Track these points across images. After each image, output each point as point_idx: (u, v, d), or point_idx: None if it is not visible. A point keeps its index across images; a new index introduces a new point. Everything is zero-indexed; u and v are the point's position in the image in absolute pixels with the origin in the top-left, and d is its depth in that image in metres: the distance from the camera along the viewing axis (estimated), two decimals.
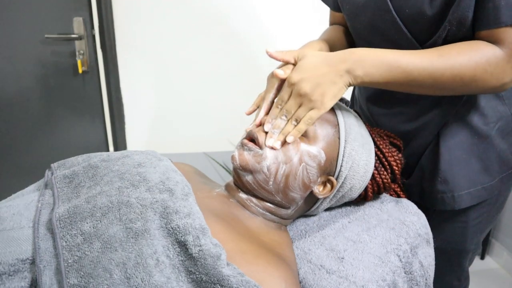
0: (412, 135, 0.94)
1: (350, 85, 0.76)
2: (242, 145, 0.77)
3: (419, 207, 0.89)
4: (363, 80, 0.74)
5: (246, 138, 0.78)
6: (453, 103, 0.87)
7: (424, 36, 0.81)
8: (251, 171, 0.75)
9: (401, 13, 0.81)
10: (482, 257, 2.18)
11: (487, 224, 1.00)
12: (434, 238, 0.88)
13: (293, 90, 0.74)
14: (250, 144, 0.76)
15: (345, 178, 0.80)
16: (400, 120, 0.95)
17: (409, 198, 0.93)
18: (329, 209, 0.88)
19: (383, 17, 0.83)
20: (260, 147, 0.75)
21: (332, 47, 0.92)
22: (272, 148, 0.75)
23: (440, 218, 0.96)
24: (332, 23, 1.10)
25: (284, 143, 0.76)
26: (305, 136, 0.77)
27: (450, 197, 0.91)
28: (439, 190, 0.91)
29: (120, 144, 1.98)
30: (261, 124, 0.79)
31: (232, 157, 0.77)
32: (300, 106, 0.74)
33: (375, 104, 1.01)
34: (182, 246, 0.59)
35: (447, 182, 0.90)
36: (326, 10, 1.10)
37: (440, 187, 0.91)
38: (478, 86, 0.75)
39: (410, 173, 0.96)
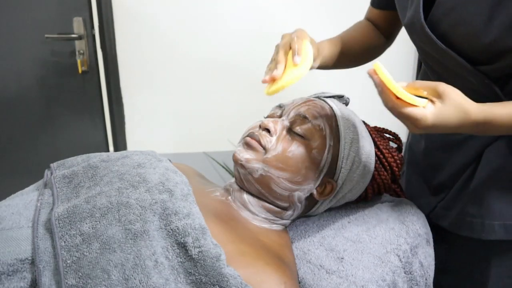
0: (456, 147, 0.84)
1: None
2: (245, 143, 0.77)
3: (445, 235, 0.83)
4: None
5: (249, 137, 0.78)
6: None
7: (479, 59, 0.72)
8: (251, 170, 0.75)
9: (450, 35, 0.72)
10: None
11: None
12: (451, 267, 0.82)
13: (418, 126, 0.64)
14: (253, 143, 0.76)
15: (345, 180, 0.79)
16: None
17: (436, 224, 0.86)
18: (329, 209, 0.87)
19: (425, 42, 0.76)
20: (263, 148, 0.75)
21: (347, 48, 0.90)
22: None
23: (464, 250, 0.86)
24: (366, 18, 1.02)
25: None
26: (305, 138, 0.76)
27: (479, 224, 0.80)
28: (469, 213, 0.81)
29: (120, 144, 1.98)
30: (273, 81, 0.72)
31: (234, 155, 0.77)
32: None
33: None
34: (182, 247, 0.58)
35: (479, 206, 0.80)
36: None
37: (471, 210, 0.81)
38: None
39: (446, 194, 0.87)
